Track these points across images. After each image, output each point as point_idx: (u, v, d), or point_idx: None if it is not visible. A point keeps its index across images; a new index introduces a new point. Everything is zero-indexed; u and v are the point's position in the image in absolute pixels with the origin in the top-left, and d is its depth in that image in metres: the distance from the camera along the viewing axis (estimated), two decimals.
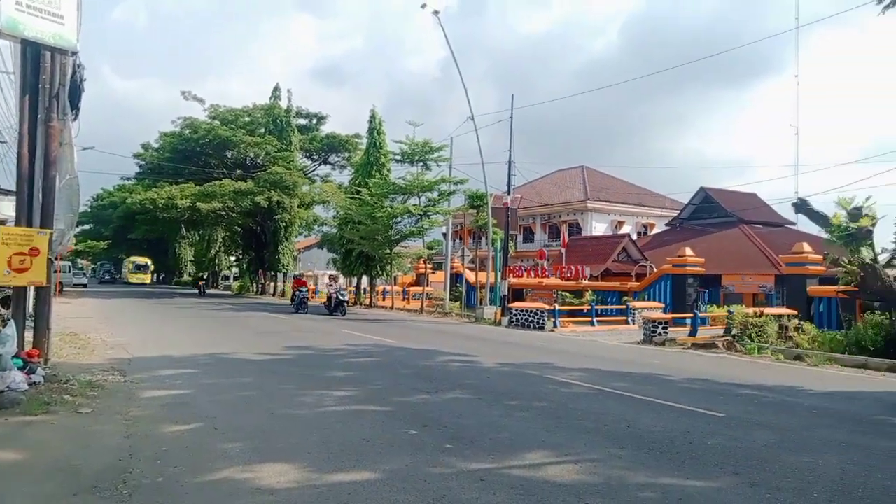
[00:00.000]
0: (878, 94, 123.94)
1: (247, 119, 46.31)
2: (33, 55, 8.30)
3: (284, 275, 48.50)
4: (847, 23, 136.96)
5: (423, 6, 25.44)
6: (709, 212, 37.50)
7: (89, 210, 69.07)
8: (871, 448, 6.24)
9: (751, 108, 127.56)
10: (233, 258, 66.81)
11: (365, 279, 36.71)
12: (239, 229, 50.04)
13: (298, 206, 44.03)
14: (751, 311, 17.30)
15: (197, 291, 47.39)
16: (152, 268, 76.06)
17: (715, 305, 24.03)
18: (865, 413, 8.13)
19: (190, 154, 43.97)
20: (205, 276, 58.15)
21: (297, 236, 49.62)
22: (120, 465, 5.12)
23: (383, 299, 36.24)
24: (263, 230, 46.16)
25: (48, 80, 8.31)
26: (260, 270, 48.84)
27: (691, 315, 19.88)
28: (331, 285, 24.50)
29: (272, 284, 47.99)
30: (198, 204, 39.08)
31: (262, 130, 45.49)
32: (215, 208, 39.67)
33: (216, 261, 68.84)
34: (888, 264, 14.49)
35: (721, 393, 9.41)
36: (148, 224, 49.55)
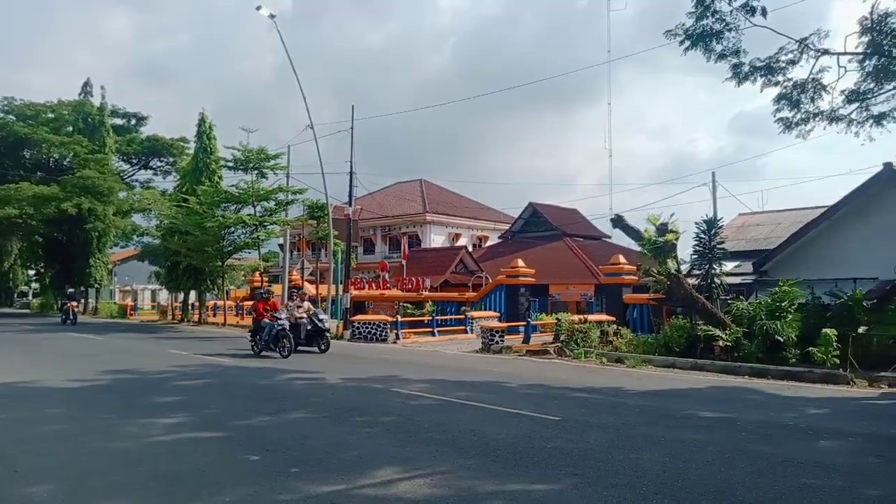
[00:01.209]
0: (677, 121, 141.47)
1: (50, 115, 41.42)
2: None
3: (97, 290, 43.73)
4: (648, 60, 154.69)
5: (259, 8, 24.49)
6: (537, 225, 40.08)
7: None
8: (685, 441, 6.94)
9: (572, 130, 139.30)
10: (32, 272, 58.69)
11: (193, 294, 34.22)
12: (40, 239, 44.19)
13: (114, 215, 40.13)
14: (576, 318, 18.64)
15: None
16: None
17: (544, 313, 25.60)
18: (677, 409, 9.06)
19: None
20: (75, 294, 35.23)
21: (112, 247, 45.17)
22: None
23: (214, 315, 34.02)
24: (71, 241, 41.24)
25: None
26: (67, 286, 43.52)
27: (524, 323, 21.00)
28: (292, 304, 16.94)
29: (82, 301, 42.98)
30: None
31: (70, 129, 40.94)
32: (10, 215, 34.81)
33: (11, 275, 60.07)
34: (689, 274, 16.45)
35: (556, 397, 9.98)
36: None
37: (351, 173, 25.22)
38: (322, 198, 27.15)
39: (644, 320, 21.52)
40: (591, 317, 19.82)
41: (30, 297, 57.55)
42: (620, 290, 23.45)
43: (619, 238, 31.59)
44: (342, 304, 24.55)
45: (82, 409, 8.44)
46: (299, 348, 16.12)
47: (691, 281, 16.01)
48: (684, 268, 16.53)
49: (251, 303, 34.79)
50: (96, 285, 42.58)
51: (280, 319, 15.56)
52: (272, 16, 24.72)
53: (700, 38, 13.14)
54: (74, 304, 29.51)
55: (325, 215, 27.34)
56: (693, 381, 12.24)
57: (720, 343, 14.21)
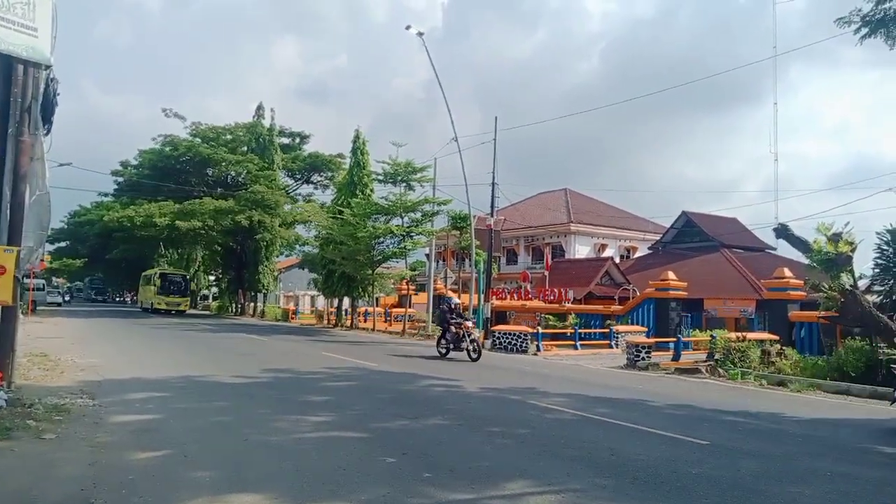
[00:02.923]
0: (856, 121, 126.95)
1: (229, 137, 46.13)
2: (5, 68, 8.09)
3: (265, 295, 47.90)
4: (821, 54, 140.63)
5: (408, 27, 25.68)
6: (690, 236, 37.80)
7: (66, 227, 67.96)
8: (858, 477, 6.14)
9: (731, 134, 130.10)
10: (212, 277, 65.72)
11: (346, 300, 36.34)
12: (219, 248, 49.43)
13: (280, 226, 43.71)
14: (733, 335, 17.29)
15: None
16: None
17: (697, 330, 24.04)
18: (850, 441, 8.05)
19: (170, 171, 43.61)
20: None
21: (277, 256, 49.24)
22: (82, 495, 4.85)
23: (365, 321, 35.87)
24: (244, 249, 45.70)
25: (20, 93, 8.08)
26: (240, 290, 48.22)
27: (674, 339, 19.83)
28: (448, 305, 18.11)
29: (252, 305, 47.37)
30: (177, 222, 38.65)
31: (245, 149, 45.31)
32: (195, 227, 39.22)
33: (195, 280, 67.80)
34: (868, 290, 14.57)
35: (705, 419, 9.29)
36: (126, 242, 48.82)
37: (493, 184, 25.45)
38: (465, 209, 27.67)
39: (813, 341, 19.42)
40: (750, 335, 18.28)
41: (209, 300, 64.34)
42: (785, 306, 21.41)
43: (785, 250, 28.86)
44: (483, 314, 24.76)
45: (244, 403, 9.26)
46: (449, 355, 17.47)
47: (871, 298, 14.17)
48: (862, 283, 14.67)
49: (400, 310, 36.40)
50: (264, 290, 46.65)
51: (463, 326, 17.30)
52: (420, 34, 25.75)
53: (880, 23, 11.65)
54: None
55: (467, 226, 27.81)
56: (871, 410, 10.83)
57: None
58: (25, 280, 26.28)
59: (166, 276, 44.95)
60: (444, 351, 17.75)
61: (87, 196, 67.11)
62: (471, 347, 16.84)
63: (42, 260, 22.11)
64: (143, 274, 50.93)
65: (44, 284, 44.47)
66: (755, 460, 6.68)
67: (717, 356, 16.10)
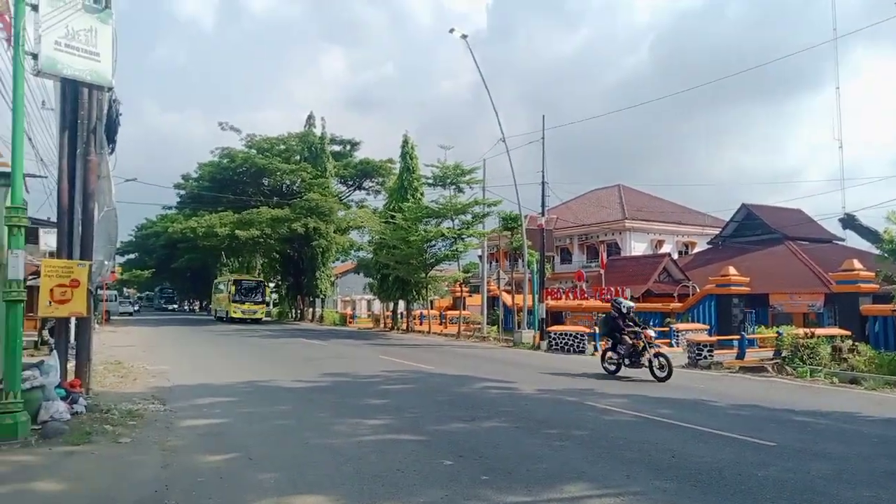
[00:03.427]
0: None
1: (282, 147, 47.27)
2: (72, 92, 8.59)
3: (323, 300, 48.79)
4: (886, 34, 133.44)
5: (452, 31, 25.79)
6: (752, 229, 36.48)
7: (133, 240, 71.19)
8: None
9: (791, 122, 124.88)
10: (272, 284, 67.49)
11: (402, 304, 36.74)
12: (277, 256, 50.77)
13: (334, 232, 44.50)
14: (801, 331, 16.60)
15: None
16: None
17: (763, 326, 23.17)
18: None
19: (228, 183, 45.03)
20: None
21: (333, 262, 50.12)
22: (156, 496, 5.11)
23: (420, 324, 36.15)
24: (301, 256, 46.74)
25: (86, 115, 8.57)
26: (298, 296, 49.35)
27: (738, 337, 19.18)
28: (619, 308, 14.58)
29: (310, 310, 48.41)
30: (237, 231, 39.86)
31: (298, 158, 46.33)
32: (253, 236, 40.36)
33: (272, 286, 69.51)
34: None
35: (772, 420, 8.97)
36: (189, 252, 50.74)
37: (543, 183, 25.21)
38: (516, 209, 27.54)
39: (889, 335, 18.49)
40: (819, 330, 17.53)
41: (270, 307, 65.99)
42: (857, 299, 20.42)
43: (854, 241, 27.51)
44: (538, 315, 24.58)
45: (304, 406, 9.50)
46: (620, 372, 14.08)
47: None
48: None
49: (455, 312, 36.49)
50: (322, 296, 47.59)
51: (644, 335, 13.71)
52: (464, 36, 25.81)
53: None
54: None
55: (518, 226, 27.67)
56: None
57: None
58: (98, 292, 27.66)
59: (241, 283, 42.88)
60: (613, 367, 14.17)
61: (153, 209, 70.16)
62: (655, 363, 13.23)
63: (113, 272, 23.24)
64: (216, 281, 49.72)
65: (115, 295, 46.66)
66: (827, 462, 6.41)
67: (784, 353, 15.51)
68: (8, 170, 6.98)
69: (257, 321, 41.52)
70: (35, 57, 7.76)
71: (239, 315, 40.87)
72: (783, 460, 6.45)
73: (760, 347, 19.57)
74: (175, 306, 70.34)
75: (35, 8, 7.66)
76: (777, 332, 17.14)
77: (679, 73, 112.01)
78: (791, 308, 25.62)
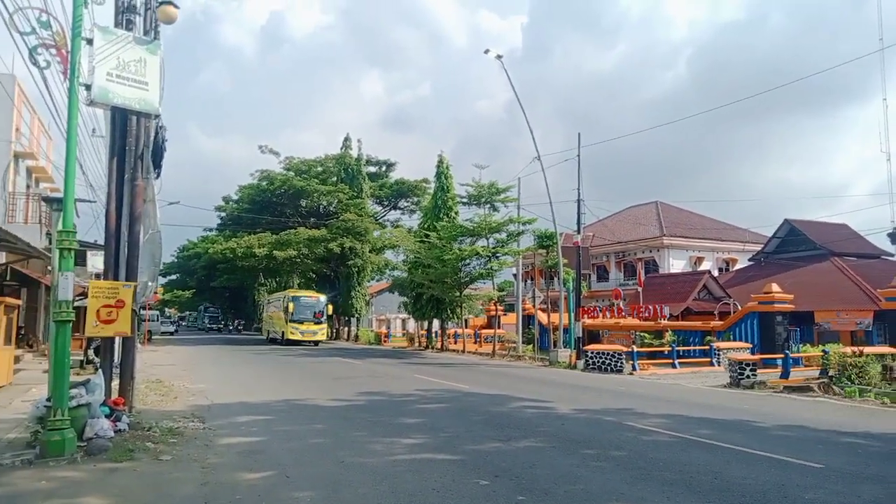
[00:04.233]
0: None
1: (319, 169, 48.17)
2: (121, 120, 8.95)
3: (358, 319, 49.12)
4: None
5: (487, 51, 26.01)
6: (795, 245, 35.57)
7: (175, 261, 73.02)
8: None
9: (837, 135, 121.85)
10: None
11: (436, 322, 36.75)
12: (314, 275, 51.45)
13: (370, 252, 44.95)
14: (849, 350, 16.06)
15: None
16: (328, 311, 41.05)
17: (808, 344, 22.54)
18: None
19: (266, 204, 46.00)
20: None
21: (369, 281, 50.54)
22: None
23: (455, 342, 36.07)
24: (337, 276, 47.27)
25: (133, 142, 8.92)
26: (334, 315, 49.82)
27: (782, 355, 18.64)
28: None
29: (346, 329, 48.76)
30: (274, 252, 40.59)
31: (334, 179, 47.11)
32: (291, 256, 41.02)
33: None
34: None
35: (819, 441, 8.66)
36: (228, 273, 51.80)
37: (579, 200, 25.08)
38: (551, 227, 27.41)
39: None
40: (868, 348, 16.92)
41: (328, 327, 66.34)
42: None
43: None
44: (574, 333, 24.30)
45: (340, 425, 9.55)
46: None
47: None
48: None
49: (489, 331, 36.32)
50: (357, 315, 47.96)
51: None
52: (499, 56, 26.01)
53: None
54: None
55: (553, 244, 27.51)
56: None
57: None
58: (141, 312, 28.42)
59: (300, 299, 37.71)
60: None
61: (194, 231, 72.04)
62: None
63: (155, 292, 23.88)
64: (269, 297, 45.39)
65: (157, 315, 47.81)
66: (878, 485, 6.16)
67: (830, 372, 15.01)
68: (60, 195, 7.28)
69: (316, 343, 37.26)
70: (88, 88, 8.11)
71: (297, 337, 36.45)
72: (831, 483, 6.22)
73: (806, 366, 19.00)
74: (220, 325, 71.18)
75: (90, 42, 8.03)
76: (823, 351, 16.61)
77: (718, 86, 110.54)
78: (838, 326, 24.81)
